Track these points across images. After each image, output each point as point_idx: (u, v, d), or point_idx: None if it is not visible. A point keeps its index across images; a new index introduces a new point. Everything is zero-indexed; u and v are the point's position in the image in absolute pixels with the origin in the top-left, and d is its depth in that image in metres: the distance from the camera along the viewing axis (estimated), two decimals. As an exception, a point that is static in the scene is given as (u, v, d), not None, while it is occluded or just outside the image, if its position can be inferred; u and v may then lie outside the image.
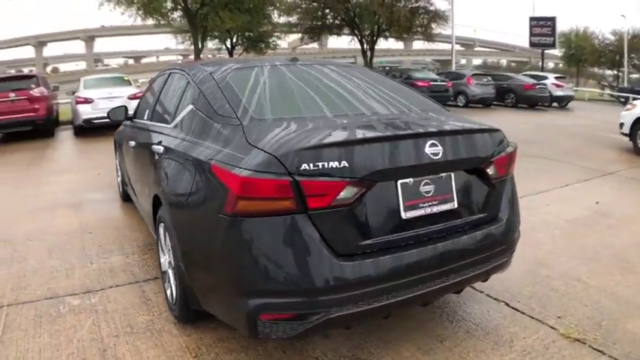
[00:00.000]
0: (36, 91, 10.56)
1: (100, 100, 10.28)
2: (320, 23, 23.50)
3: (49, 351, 2.47)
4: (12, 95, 10.21)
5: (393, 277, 1.93)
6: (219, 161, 1.99)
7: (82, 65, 72.71)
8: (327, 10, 22.86)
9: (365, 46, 23.50)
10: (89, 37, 71.95)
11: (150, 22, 19.58)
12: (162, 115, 3.20)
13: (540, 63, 32.75)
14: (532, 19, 31.33)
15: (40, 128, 10.60)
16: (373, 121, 2.25)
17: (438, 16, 23.38)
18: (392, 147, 1.97)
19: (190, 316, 2.54)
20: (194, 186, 2.18)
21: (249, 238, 1.83)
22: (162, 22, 19.44)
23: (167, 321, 2.71)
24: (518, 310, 2.74)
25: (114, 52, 78.70)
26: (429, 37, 24.23)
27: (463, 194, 2.22)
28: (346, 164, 1.84)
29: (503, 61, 75.37)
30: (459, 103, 18.12)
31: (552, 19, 30.85)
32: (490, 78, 19.21)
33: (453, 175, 2.17)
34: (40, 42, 71.99)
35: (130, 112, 4.31)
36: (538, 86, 18.48)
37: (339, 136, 1.98)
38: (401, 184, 2.01)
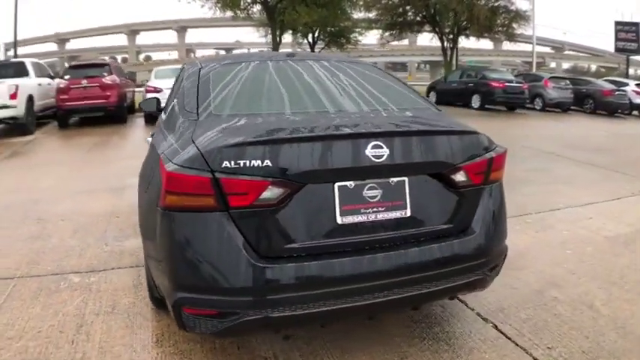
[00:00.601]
0: (108, 79, 11.17)
1: (169, 90, 10.53)
2: (401, 20, 23.00)
3: (35, 321, 2.61)
4: (84, 82, 10.90)
5: (322, 284, 1.79)
6: (165, 155, 1.97)
7: (174, 55, 75.36)
8: (408, 7, 22.32)
9: (445, 44, 22.71)
10: (181, 27, 73.19)
11: (228, 14, 20.04)
12: (165, 108, 3.27)
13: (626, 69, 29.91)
14: (617, 23, 28.55)
15: (111, 114, 11.26)
16: (326, 120, 2.09)
17: (519, 16, 22.07)
18: (325, 147, 1.82)
19: (156, 302, 2.56)
20: (151, 178, 2.18)
21: (175, 233, 1.81)
22: (240, 14, 19.85)
23: (146, 305, 2.76)
24: (505, 335, 2.44)
25: (206, 43, 79.89)
26: (511, 37, 23.03)
27: (421, 202, 1.99)
28: (269, 163, 1.75)
29: (593, 67, 69.07)
30: (535, 107, 16.96)
31: (636, 25, 27.90)
32: (568, 82, 17.73)
33: (407, 180, 1.95)
34: (132, 30, 74.34)
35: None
36: (617, 92, 16.84)
37: (271, 134, 1.86)
38: (339, 187, 1.85)
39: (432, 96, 17.61)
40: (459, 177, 2.04)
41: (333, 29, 21.73)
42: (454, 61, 23.74)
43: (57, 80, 11.68)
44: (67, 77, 11.31)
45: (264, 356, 2.27)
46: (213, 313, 1.80)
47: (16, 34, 19.22)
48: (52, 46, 79.64)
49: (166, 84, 10.94)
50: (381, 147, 1.86)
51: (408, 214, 1.96)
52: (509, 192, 4.75)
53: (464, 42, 24.44)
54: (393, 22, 22.96)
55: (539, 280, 3.08)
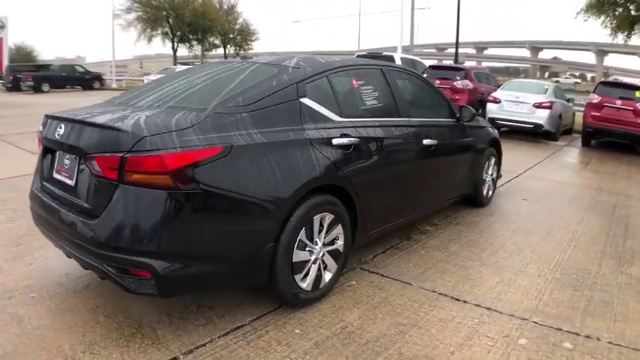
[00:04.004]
0: (459, 83, 10.95)
1: (506, 102, 9.85)
2: None
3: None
4: (436, 83, 10.20)
5: (41, 214, 2.46)
6: None
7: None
8: None
9: None
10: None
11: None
12: None
13: None
14: None
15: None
16: (120, 108, 2.48)
17: None
18: (55, 125, 2.37)
19: None
20: None
21: None
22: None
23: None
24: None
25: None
26: None
27: (80, 178, 2.21)
28: (41, 129, 2.52)
29: None
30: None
31: None
32: None
33: (78, 158, 2.21)
34: (599, 50, 69.25)
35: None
36: None
37: (68, 113, 2.47)
38: (58, 153, 2.41)
39: None
40: (95, 166, 2.05)
41: None
42: None
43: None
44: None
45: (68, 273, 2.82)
46: None
47: (458, 34, 19.42)
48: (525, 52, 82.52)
49: (505, 96, 10.05)
50: (61, 128, 2.29)
51: (73, 184, 2.25)
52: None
53: None
54: None
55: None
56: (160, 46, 35.56)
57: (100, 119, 2.20)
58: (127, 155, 1.94)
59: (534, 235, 3.90)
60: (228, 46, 36.40)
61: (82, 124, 2.20)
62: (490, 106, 10.33)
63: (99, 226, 2.00)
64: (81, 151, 2.14)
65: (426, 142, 3.37)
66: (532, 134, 10.06)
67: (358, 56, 12.93)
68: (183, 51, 35.37)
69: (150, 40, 32.75)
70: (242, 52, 36.60)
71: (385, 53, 14.16)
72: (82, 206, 2.15)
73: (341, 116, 2.72)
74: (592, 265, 3.35)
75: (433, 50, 77.57)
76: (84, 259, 2.12)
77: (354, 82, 2.97)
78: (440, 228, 3.98)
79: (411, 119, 3.32)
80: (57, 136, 2.30)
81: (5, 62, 30.42)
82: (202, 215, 2.03)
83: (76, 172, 2.23)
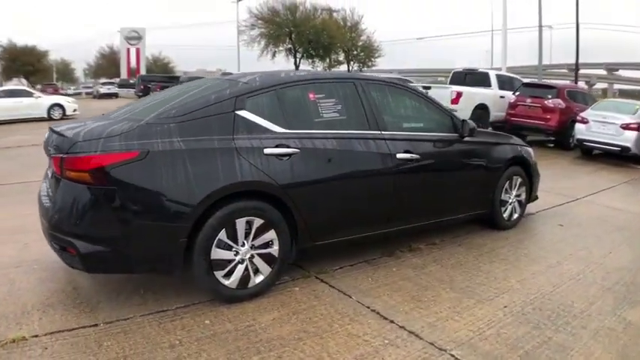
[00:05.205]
0: (550, 102, 10.11)
1: (594, 123, 8.94)
2: None
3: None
4: (528, 101, 10.35)
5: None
6: None
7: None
8: None
9: None
10: None
11: None
12: None
13: None
14: None
15: (552, 139, 10.28)
16: (104, 120, 2.78)
17: None
18: (46, 132, 2.86)
19: None
20: None
21: None
22: None
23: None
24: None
25: None
26: None
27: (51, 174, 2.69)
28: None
29: None
30: None
31: None
32: None
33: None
34: None
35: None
36: None
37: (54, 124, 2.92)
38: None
39: None
40: (52, 164, 2.58)
41: None
42: None
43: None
44: None
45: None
46: None
47: (578, 54, 18.71)
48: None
49: (593, 116, 9.11)
50: (47, 135, 2.80)
51: (51, 177, 2.75)
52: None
53: None
54: None
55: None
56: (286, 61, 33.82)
57: (62, 128, 2.65)
58: (64, 156, 2.39)
59: (538, 264, 3.39)
60: (352, 63, 34.83)
61: (53, 132, 2.70)
62: (578, 127, 9.20)
63: (49, 210, 2.48)
64: (49, 152, 2.65)
65: (401, 156, 3.23)
66: (620, 157, 8.66)
67: (455, 72, 12.70)
68: (308, 67, 33.90)
69: (273, 56, 32.45)
70: (365, 68, 35.03)
71: (480, 70, 13.49)
72: (50, 195, 2.64)
73: (287, 128, 2.80)
74: (582, 303, 2.80)
75: (565, 70, 69.49)
76: (45, 237, 2.60)
77: (311, 96, 3.01)
78: (436, 247, 3.70)
79: (383, 132, 3.21)
80: (44, 142, 2.85)
81: (142, 72, 34.29)
82: (116, 208, 2.34)
83: (51, 169, 2.74)
